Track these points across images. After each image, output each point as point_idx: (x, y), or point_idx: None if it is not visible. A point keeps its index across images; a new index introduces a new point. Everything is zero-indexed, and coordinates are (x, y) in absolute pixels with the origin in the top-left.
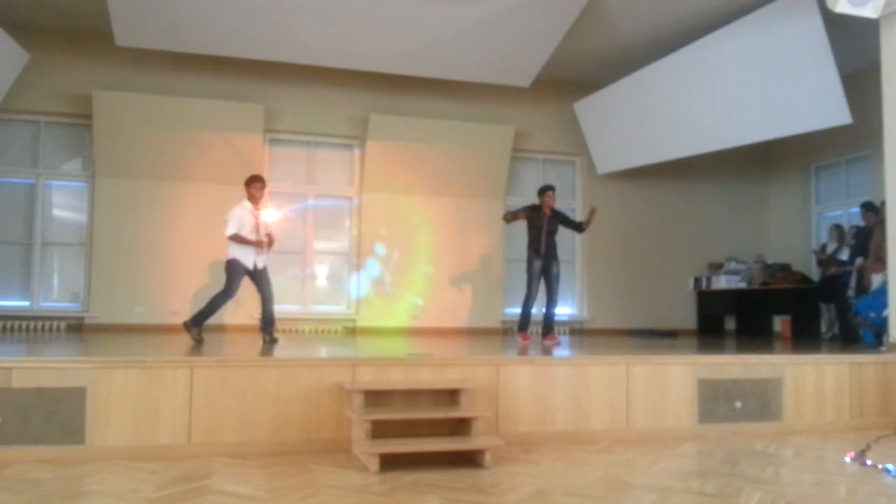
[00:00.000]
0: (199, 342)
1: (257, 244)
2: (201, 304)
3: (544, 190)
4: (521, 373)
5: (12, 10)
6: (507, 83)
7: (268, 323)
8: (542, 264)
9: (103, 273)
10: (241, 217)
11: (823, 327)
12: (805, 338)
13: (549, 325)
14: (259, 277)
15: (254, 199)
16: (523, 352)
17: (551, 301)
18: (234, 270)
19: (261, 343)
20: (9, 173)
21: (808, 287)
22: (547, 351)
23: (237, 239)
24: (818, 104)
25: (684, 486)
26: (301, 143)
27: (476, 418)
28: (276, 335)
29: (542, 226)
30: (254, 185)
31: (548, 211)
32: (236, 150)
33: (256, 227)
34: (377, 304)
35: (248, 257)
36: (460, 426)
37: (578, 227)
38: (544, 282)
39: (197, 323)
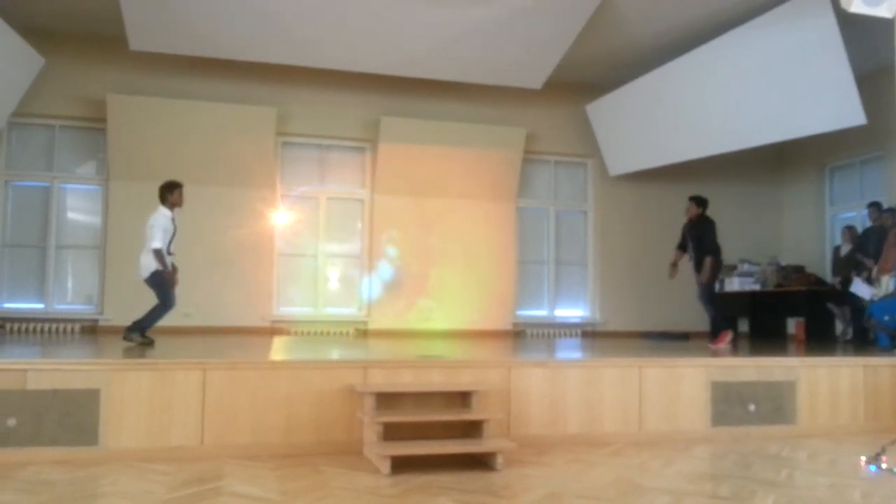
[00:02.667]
0: (148, 344)
1: (170, 275)
2: (212, 305)
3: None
4: (532, 375)
5: (28, 16)
6: (519, 85)
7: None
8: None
9: (117, 275)
10: (164, 228)
11: (838, 330)
12: (819, 340)
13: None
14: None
15: (175, 207)
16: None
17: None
18: (164, 281)
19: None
20: (24, 176)
21: (822, 289)
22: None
23: (160, 257)
24: (832, 105)
25: (697, 489)
26: (313, 145)
27: (488, 421)
28: (150, 337)
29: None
30: (177, 190)
31: (689, 221)
32: (249, 153)
33: (173, 238)
34: (388, 307)
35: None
36: (472, 428)
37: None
38: None
39: (136, 329)
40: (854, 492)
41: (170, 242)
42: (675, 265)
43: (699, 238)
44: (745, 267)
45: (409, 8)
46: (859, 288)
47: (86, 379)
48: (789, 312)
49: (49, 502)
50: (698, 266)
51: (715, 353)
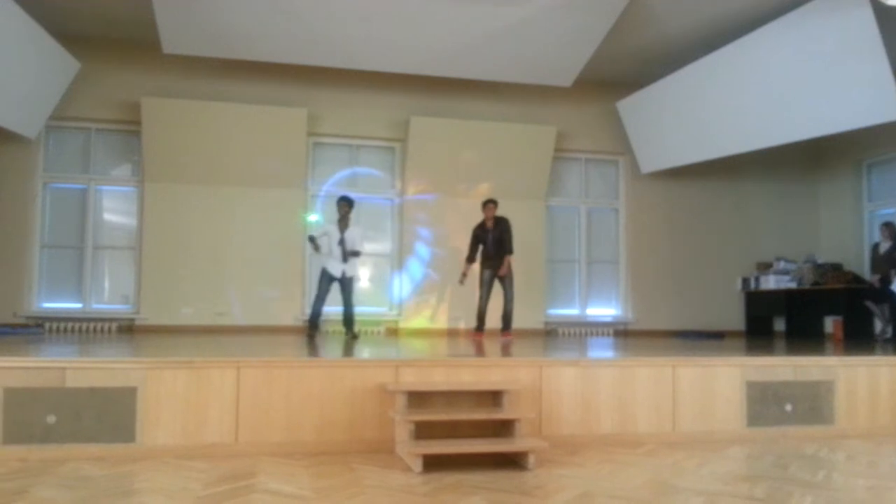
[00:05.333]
0: (312, 337)
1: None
2: (247, 305)
3: (486, 203)
4: (564, 374)
5: (64, 21)
6: (549, 83)
7: (348, 322)
8: (492, 272)
9: (152, 275)
10: (327, 232)
11: (877, 328)
12: (857, 339)
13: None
14: (342, 285)
15: (339, 216)
16: (479, 349)
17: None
18: (320, 277)
19: (307, 341)
20: (61, 179)
21: (860, 287)
22: (504, 347)
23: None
24: (869, 99)
25: (732, 490)
26: (343, 145)
27: (519, 420)
28: (356, 332)
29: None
30: (338, 203)
31: (490, 223)
32: (281, 153)
33: (341, 240)
34: (419, 306)
35: (333, 267)
36: (503, 428)
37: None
38: (498, 282)
39: (311, 326)
40: (894, 494)
41: (336, 246)
42: (465, 275)
43: (500, 238)
44: (781, 265)
45: (439, 7)
46: None
47: (123, 377)
48: (827, 311)
49: (88, 498)
50: (498, 264)
51: (506, 346)
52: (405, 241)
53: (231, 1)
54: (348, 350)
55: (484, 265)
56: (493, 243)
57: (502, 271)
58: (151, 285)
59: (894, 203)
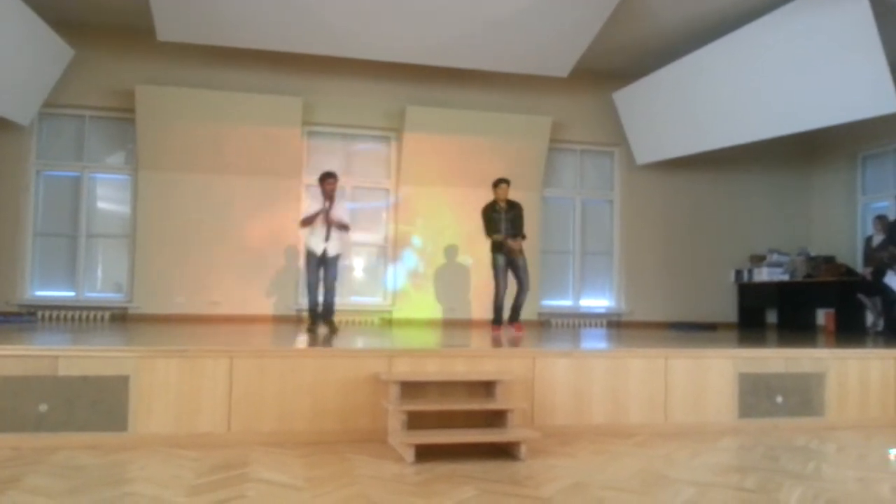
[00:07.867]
0: (312, 331)
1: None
2: (241, 294)
3: (498, 183)
4: (557, 365)
5: (57, 7)
6: (545, 73)
7: (326, 311)
8: (506, 257)
9: (146, 264)
10: (313, 207)
11: (868, 321)
12: (849, 332)
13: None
14: (325, 265)
15: (324, 194)
16: (497, 343)
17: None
18: (307, 262)
19: (302, 331)
20: (55, 166)
21: (852, 280)
22: (513, 341)
23: (305, 222)
24: (865, 92)
25: (723, 481)
26: (339, 135)
27: (512, 410)
28: (336, 325)
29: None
30: (321, 181)
31: (503, 203)
32: (275, 142)
33: (326, 219)
34: (413, 296)
35: (316, 245)
36: (496, 418)
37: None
38: (511, 273)
39: (313, 316)
40: (883, 485)
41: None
42: (508, 239)
43: (514, 221)
44: (775, 257)
45: None
46: (893, 281)
47: (116, 366)
48: (819, 303)
49: (80, 486)
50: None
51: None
52: (399, 231)
53: None
54: (331, 341)
55: (497, 249)
56: (508, 225)
57: (517, 245)
58: (145, 274)
59: (888, 196)
